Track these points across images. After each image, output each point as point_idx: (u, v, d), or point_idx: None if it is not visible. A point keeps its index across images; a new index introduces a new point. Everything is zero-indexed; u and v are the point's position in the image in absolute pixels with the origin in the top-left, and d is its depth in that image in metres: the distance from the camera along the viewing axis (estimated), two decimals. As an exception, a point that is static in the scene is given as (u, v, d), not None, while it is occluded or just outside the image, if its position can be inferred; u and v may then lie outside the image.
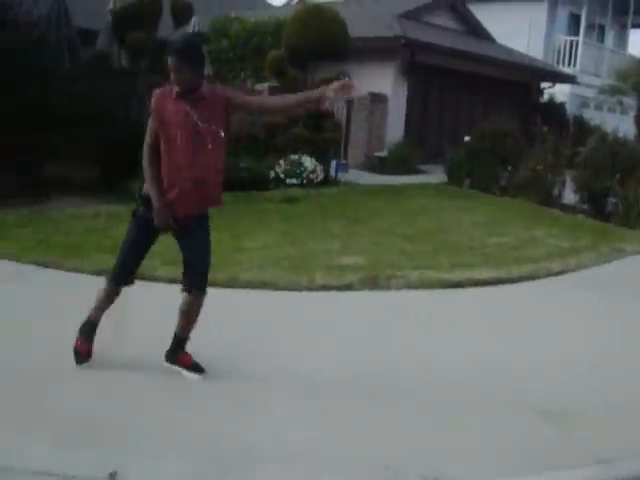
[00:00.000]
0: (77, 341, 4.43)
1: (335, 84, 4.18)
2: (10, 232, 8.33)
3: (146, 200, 4.26)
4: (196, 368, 4.39)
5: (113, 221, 9.01)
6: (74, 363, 4.39)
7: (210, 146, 4.21)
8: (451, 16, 21.37)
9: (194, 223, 4.31)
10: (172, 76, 4.15)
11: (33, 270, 6.78)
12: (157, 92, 4.22)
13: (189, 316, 4.32)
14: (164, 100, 4.16)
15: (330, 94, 4.15)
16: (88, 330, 4.43)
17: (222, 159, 4.38)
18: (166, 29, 14.63)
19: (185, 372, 4.37)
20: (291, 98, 4.47)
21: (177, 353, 4.42)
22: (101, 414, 3.81)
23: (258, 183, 12.59)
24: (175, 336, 4.41)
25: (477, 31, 22.06)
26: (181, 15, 14.23)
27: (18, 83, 10.46)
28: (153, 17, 12.97)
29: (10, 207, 9.77)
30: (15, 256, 7.15)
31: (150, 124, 4.23)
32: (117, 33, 13.20)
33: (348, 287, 6.52)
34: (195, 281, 4.26)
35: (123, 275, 4.43)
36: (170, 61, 4.11)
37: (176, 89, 4.14)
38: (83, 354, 4.41)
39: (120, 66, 13.63)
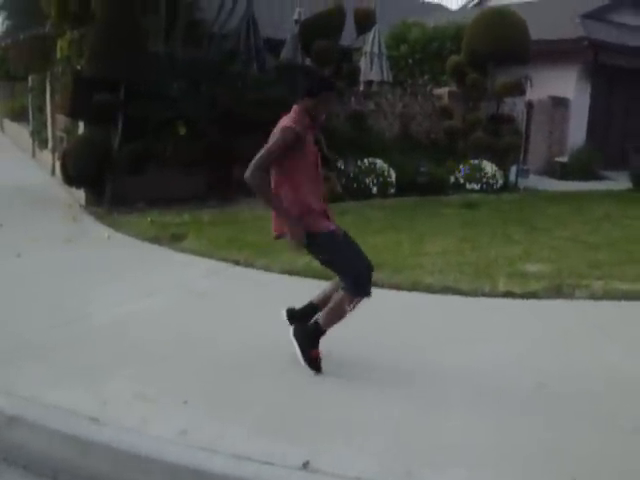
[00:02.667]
0: (313, 352, 4.47)
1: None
2: (204, 230, 8.91)
3: None
4: (313, 365, 4.44)
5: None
6: (270, 352, 4.69)
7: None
8: (636, 12, 20.27)
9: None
10: (326, 108, 4.45)
11: (225, 267, 7.21)
12: (296, 122, 4.30)
13: (332, 311, 4.42)
14: (304, 130, 4.31)
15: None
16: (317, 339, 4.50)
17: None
18: (348, 37, 15.00)
19: (301, 360, 4.45)
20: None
21: (309, 340, 4.47)
22: (293, 404, 4.03)
23: (438, 187, 12.67)
24: (316, 322, 4.48)
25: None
26: (364, 23, 14.52)
27: (212, 91, 11.15)
28: (338, 26, 13.33)
29: (203, 207, 10.45)
30: (209, 253, 7.66)
31: (278, 149, 4.24)
32: (302, 42, 13.68)
33: (532, 295, 6.43)
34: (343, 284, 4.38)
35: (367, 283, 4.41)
36: (331, 96, 4.46)
37: (309, 121, 4.35)
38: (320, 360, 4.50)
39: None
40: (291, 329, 4.58)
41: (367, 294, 4.37)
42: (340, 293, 4.39)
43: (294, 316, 4.72)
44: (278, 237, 4.49)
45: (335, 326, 4.47)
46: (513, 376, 4.53)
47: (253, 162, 4.21)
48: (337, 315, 4.42)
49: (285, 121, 4.34)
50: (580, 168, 16.68)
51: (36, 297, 5.97)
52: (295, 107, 4.40)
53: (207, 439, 3.49)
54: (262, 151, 4.23)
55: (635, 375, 4.60)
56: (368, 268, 4.42)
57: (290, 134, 4.20)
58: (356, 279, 4.34)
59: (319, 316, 4.52)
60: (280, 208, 4.30)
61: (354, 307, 4.38)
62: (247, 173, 4.20)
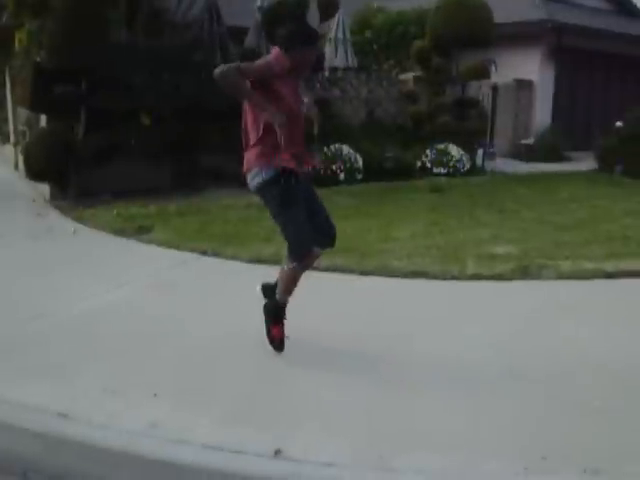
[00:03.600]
0: (274, 329, 4.50)
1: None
2: (170, 221, 8.86)
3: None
4: (274, 343, 4.48)
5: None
6: (239, 342, 4.67)
7: None
8: (593, -7, 20.44)
9: None
10: (306, 64, 4.31)
11: (193, 258, 7.17)
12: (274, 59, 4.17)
13: (280, 280, 4.46)
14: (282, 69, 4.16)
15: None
16: (279, 315, 4.51)
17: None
18: (312, 23, 14.92)
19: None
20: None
21: (272, 316, 4.49)
22: (263, 392, 4.01)
23: (405, 172, 12.70)
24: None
25: (628, 9, 21.03)
26: (327, 9, 14.48)
27: (175, 81, 11.04)
28: (301, 12, 13.27)
29: (169, 198, 10.37)
30: (176, 244, 7.61)
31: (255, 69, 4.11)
32: (266, 29, 13.60)
33: (499, 276, 6.47)
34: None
35: (305, 247, 4.34)
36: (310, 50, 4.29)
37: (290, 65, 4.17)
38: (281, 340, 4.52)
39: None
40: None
41: (303, 261, 4.32)
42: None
43: (267, 292, 4.71)
44: (247, 172, 4.34)
45: (302, 313, 4.46)
46: (483, 359, 4.53)
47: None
48: (283, 282, 4.44)
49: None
50: (546, 150, 16.82)
51: (1, 293, 5.88)
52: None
53: (177, 431, 3.47)
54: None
55: (604, 354, 4.63)
56: (311, 240, 4.37)
57: (265, 64, 4.15)
58: (297, 244, 4.30)
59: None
60: (257, 100, 4.09)
61: (296, 273, 4.35)
62: (218, 69, 4.01)
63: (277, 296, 4.48)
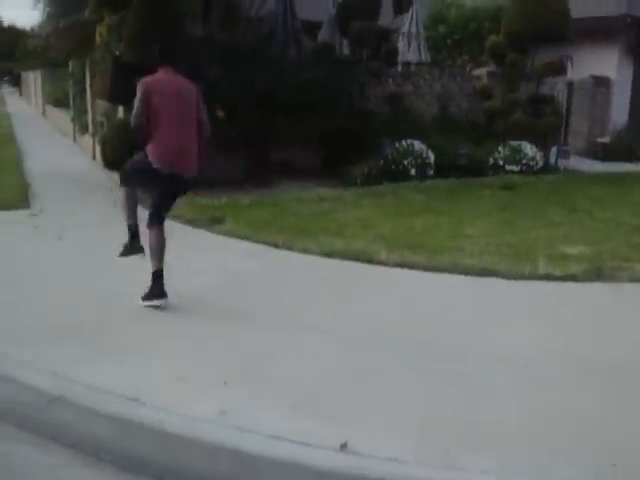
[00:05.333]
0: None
1: None
2: (242, 213, 8.96)
3: None
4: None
5: (336, 205, 9.40)
6: (314, 336, 4.72)
7: None
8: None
9: None
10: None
11: (265, 250, 7.25)
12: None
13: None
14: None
15: None
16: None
17: None
18: (386, 18, 14.91)
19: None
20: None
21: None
22: (330, 385, 4.04)
23: (477, 169, 12.57)
24: None
25: None
26: (401, 3, 14.42)
27: (250, 75, 11.16)
28: (375, 7, 13.25)
29: (241, 190, 10.49)
30: (247, 235, 7.69)
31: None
32: (340, 23, 13.62)
33: (572, 277, 6.36)
34: None
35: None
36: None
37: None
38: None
39: (342, 55, 14.10)
40: None
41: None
42: None
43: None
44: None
45: (373, 309, 4.43)
46: (552, 359, 4.48)
47: None
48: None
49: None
50: (622, 149, 16.38)
51: (77, 280, 6.06)
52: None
53: (245, 419, 3.52)
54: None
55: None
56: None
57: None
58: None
59: None
60: None
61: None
62: None
63: None
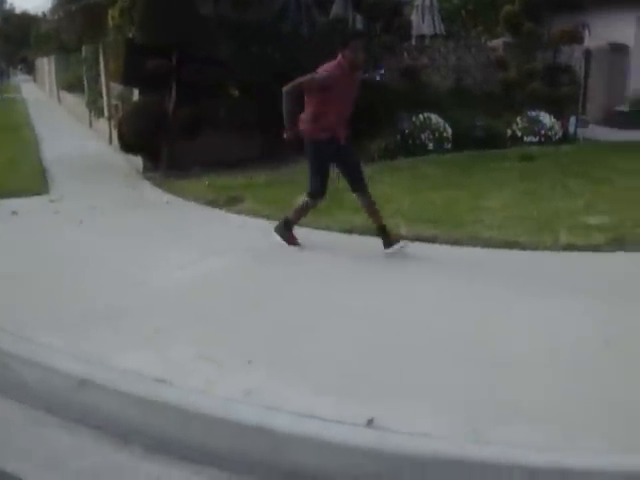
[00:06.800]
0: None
1: None
2: (260, 192, 8.95)
3: None
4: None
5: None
6: (334, 314, 4.71)
7: None
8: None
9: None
10: (358, 55, 5.89)
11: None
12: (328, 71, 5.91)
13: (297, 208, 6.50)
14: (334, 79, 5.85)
15: None
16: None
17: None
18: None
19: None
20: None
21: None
22: (354, 362, 4.02)
23: (495, 141, 12.47)
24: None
25: None
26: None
27: (263, 52, 11.10)
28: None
29: (257, 169, 10.48)
30: (266, 214, 7.69)
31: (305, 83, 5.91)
32: (352, -1, 13.51)
33: (595, 247, 6.30)
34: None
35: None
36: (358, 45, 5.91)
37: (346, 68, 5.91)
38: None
39: (355, 30, 13.95)
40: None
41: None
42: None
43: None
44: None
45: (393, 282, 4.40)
46: (578, 332, 4.43)
47: (293, 82, 5.89)
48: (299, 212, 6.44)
49: (324, 67, 5.95)
50: (642, 117, 16.19)
51: (99, 263, 6.08)
52: (338, 58, 5.92)
53: (272, 398, 3.52)
54: (300, 79, 5.89)
55: None
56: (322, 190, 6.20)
57: (315, 80, 5.90)
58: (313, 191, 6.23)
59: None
60: (287, 114, 6.02)
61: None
62: (285, 88, 5.88)
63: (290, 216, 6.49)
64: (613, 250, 6.25)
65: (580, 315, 4.70)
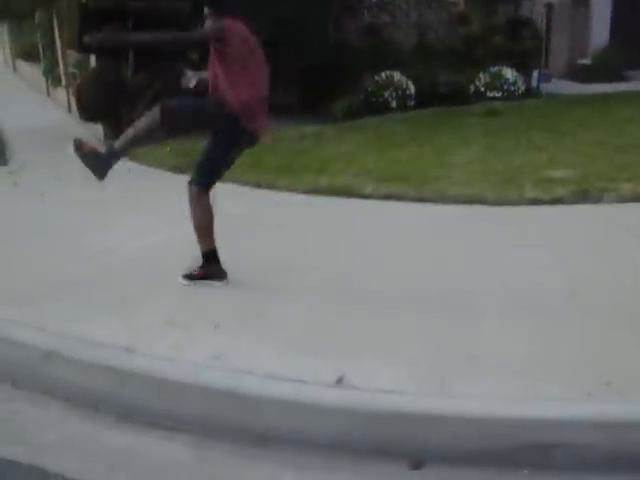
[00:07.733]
0: None
1: None
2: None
3: None
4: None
5: (317, 141, 9.30)
6: (299, 275, 4.69)
7: None
8: None
9: None
10: None
11: (247, 191, 7.22)
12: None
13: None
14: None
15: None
16: None
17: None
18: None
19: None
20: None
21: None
22: (321, 323, 4.01)
23: (458, 97, 12.45)
24: None
25: None
26: None
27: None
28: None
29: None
30: (229, 177, 7.56)
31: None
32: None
33: (559, 200, 6.34)
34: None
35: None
36: None
37: None
38: None
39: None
40: None
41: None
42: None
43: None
44: None
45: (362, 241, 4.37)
46: (544, 284, 4.45)
47: None
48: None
49: None
50: (604, 69, 16.23)
51: (62, 234, 5.99)
52: None
53: (240, 361, 3.50)
54: None
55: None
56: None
57: None
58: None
59: None
60: None
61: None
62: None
63: None
64: (577, 202, 6.29)
65: (547, 268, 4.72)
